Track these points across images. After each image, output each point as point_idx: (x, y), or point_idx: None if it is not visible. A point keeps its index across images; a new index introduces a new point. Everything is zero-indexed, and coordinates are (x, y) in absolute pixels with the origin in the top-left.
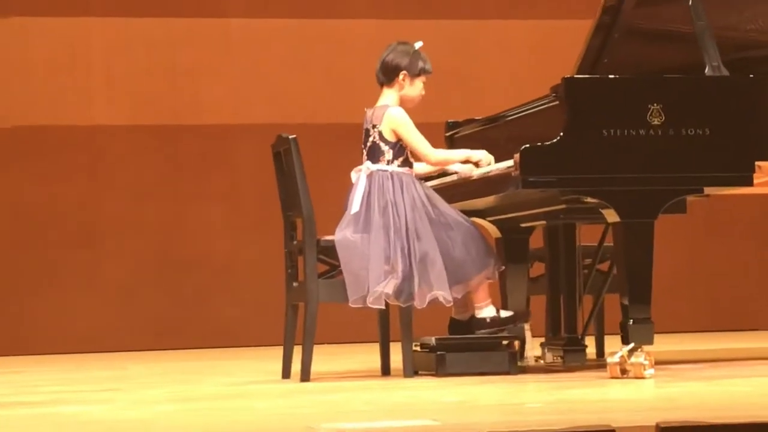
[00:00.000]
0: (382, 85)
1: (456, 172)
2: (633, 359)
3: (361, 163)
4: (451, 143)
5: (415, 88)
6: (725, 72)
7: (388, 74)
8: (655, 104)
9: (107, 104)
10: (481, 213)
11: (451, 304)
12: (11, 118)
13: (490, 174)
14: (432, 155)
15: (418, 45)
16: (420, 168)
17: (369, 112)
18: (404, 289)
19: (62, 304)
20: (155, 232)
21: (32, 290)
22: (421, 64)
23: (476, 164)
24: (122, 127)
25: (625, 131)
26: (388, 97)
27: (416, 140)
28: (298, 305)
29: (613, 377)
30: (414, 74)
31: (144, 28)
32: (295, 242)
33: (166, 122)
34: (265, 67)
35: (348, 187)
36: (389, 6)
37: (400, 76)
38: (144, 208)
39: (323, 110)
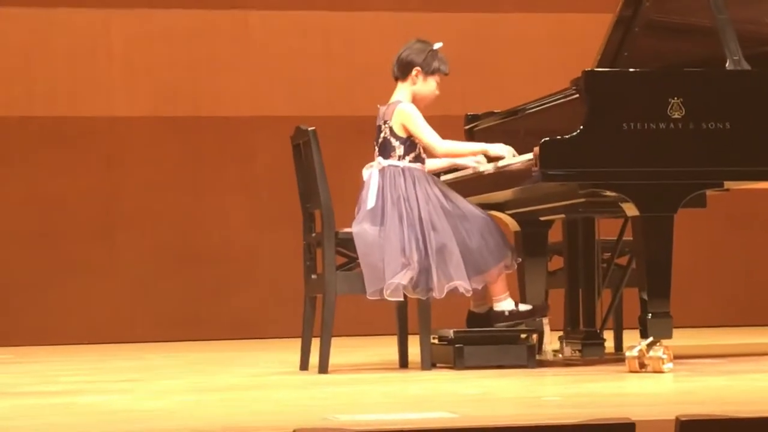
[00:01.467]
0: (396, 79)
1: (467, 167)
2: (651, 353)
3: (374, 159)
4: (471, 136)
5: (428, 86)
6: (746, 66)
7: (402, 69)
8: (675, 98)
9: (127, 96)
10: (499, 206)
11: (470, 293)
12: (32, 108)
13: (509, 167)
14: (439, 146)
15: (437, 45)
16: (432, 164)
17: (382, 109)
18: (421, 281)
19: (82, 295)
20: (174, 223)
21: (52, 281)
22: (436, 63)
23: (494, 159)
24: (142, 118)
25: (645, 125)
26: (401, 92)
27: (423, 132)
28: (316, 297)
29: (631, 371)
30: (428, 72)
31: (164, 19)
32: (313, 234)
33: (186, 114)
34: (284, 60)
35: None
36: None
37: (413, 72)
38: (163, 200)
39: (342, 103)
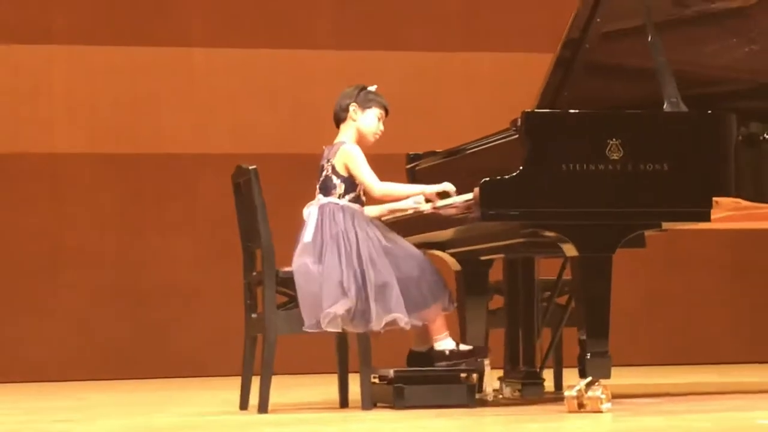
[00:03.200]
0: (338, 125)
1: (405, 212)
2: (590, 393)
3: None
4: (413, 175)
5: (368, 119)
6: (684, 108)
7: (340, 113)
8: (613, 139)
9: (68, 132)
10: (440, 245)
11: (410, 327)
12: None
13: (449, 207)
14: (376, 187)
15: (371, 88)
16: (369, 212)
17: (326, 150)
18: (358, 314)
19: (21, 333)
20: (115, 261)
21: None
22: (371, 97)
23: (431, 200)
24: (83, 155)
25: (584, 166)
26: (345, 133)
27: (362, 172)
28: (256, 336)
29: (570, 411)
30: (363, 105)
31: (106, 56)
32: (254, 273)
33: (128, 151)
34: (227, 97)
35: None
36: (353, 37)
37: (351, 109)
38: (104, 237)
39: (286, 141)
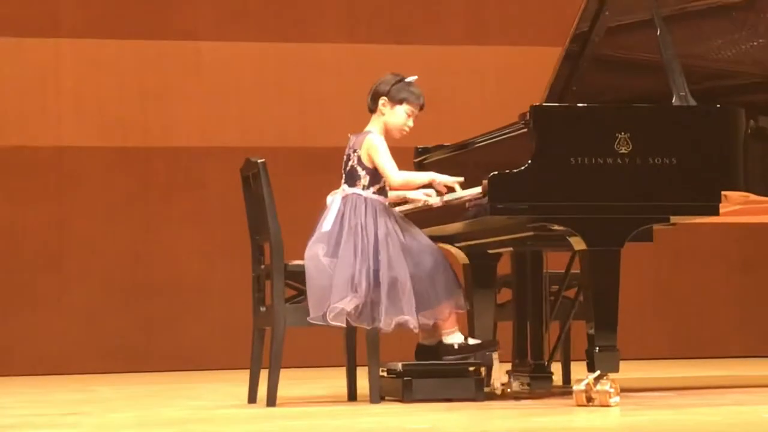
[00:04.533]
0: (371, 112)
1: (417, 200)
2: (599, 387)
3: (334, 187)
4: (420, 169)
5: (397, 115)
6: (692, 102)
7: (373, 101)
8: (622, 133)
9: (76, 125)
10: (449, 239)
11: (418, 330)
12: None
13: (458, 200)
14: (394, 177)
15: (410, 78)
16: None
17: (352, 138)
18: (365, 311)
19: (30, 326)
20: (123, 254)
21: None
22: (404, 93)
23: (439, 190)
24: (91, 148)
25: (593, 159)
26: (373, 124)
27: (383, 162)
28: (265, 329)
29: (578, 405)
30: (395, 101)
31: (114, 49)
32: (262, 266)
33: (136, 144)
34: (235, 91)
35: (319, 210)
36: (361, 31)
37: (381, 102)
38: (112, 231)
39: (294, 134)
